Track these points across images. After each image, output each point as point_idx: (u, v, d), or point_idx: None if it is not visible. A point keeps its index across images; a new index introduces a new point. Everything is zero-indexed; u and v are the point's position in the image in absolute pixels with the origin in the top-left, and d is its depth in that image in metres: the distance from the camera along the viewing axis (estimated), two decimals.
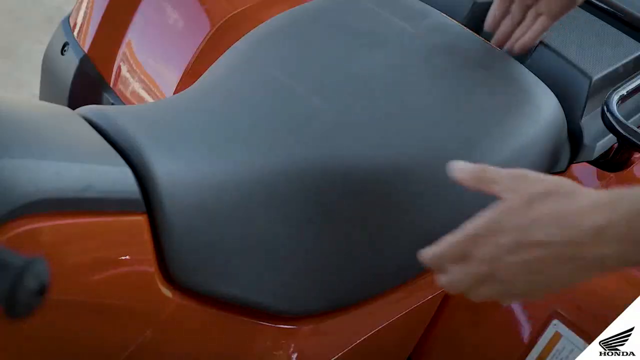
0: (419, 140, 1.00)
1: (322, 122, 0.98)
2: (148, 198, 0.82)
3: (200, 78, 1.10)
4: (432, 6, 1.25)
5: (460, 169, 0.79)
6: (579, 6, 1.25)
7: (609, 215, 0.67)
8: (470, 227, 0.75)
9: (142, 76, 1.49)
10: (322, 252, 0.96)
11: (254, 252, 0.92)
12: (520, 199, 0.72)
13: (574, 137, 1.23)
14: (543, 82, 1.19)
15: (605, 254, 0.67)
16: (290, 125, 0.96)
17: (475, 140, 1.03)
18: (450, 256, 0.76)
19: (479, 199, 0.80)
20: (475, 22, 1.29)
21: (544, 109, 1.12)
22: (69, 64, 1.57)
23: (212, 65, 1.12)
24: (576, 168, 1.20)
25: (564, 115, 1.17)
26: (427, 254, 0.78)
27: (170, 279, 0.86)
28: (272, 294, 0.95)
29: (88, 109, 0.88)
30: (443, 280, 0.79)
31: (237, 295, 0.93)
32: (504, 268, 0.72)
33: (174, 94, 1.42)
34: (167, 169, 0.84)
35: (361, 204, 0.97)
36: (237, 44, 1.14)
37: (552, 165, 1.18)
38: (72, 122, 0.88)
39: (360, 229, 0.99)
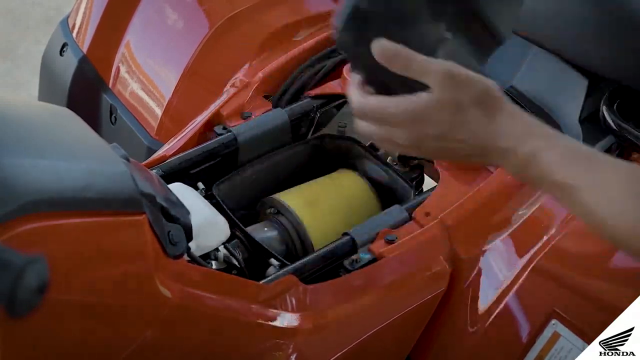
0: None
1: None
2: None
3: None
4: None
5: (386, 49, 0.78)
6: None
7: (514, 144, 0.78)
8: (400, 107, 0.79)
9: (141, 77, 1.49)
10: None
11: None
12: (450, 99, 0.78)
13: (573, 137, 1.23)
14: (542, 82, 1.19)
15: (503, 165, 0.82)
16: None
17: None
18: (371, 115, 0.80)
19: None
20: None
21: None
22: (68, 64, 1.57)
23: None
24: None
25: None
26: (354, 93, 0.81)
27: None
28: None
29: None
30: (359, 126, 0.83)
31: None
32: (422, 147, 0.81)
33: (172, 94, 1.43)
34: None
35: None
36: None
37: None
38: (72, 122, 0.88)
39: None
